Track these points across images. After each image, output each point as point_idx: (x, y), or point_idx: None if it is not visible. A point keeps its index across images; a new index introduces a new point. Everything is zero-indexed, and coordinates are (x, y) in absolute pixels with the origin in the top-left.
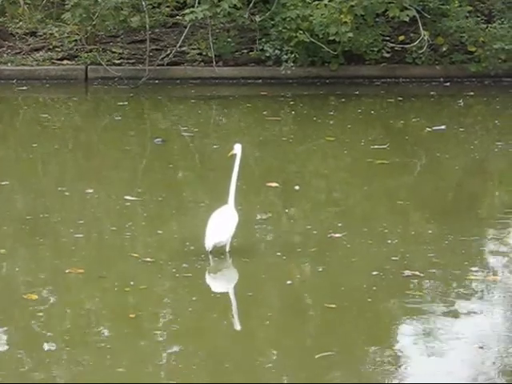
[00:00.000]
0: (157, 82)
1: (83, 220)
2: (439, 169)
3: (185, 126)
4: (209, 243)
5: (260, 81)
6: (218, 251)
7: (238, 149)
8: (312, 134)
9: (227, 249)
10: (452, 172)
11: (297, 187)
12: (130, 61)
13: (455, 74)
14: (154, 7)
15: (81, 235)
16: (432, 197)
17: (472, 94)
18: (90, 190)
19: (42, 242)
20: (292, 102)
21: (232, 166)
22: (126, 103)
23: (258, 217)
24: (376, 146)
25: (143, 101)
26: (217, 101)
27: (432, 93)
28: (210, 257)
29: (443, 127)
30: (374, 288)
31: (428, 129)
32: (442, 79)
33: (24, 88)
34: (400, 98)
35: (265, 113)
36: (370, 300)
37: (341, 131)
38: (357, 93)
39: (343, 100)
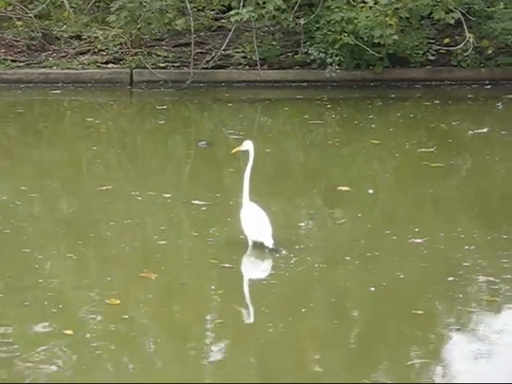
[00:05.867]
0: (201, 85)
1: (164, 226)
2: (495, 172)
3: (230, 129)
4: (270, 239)
5: (305, 84)
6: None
7: (248, 145)
8: (356, 138)
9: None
10: (509, 175)
11: (370, 191)
12: (175, 64)
13: (500, 77)
14: (198, 10)
15: (164, 242)
16: (501, 201)
17: (511, 96)
18: (168, 195)
19: (127, 250)
20: (330, 105)
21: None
22: (171, 106)
23: (335, 221)
24: (423, 149)
25: (188, 104)
26: (261, 104)
27: (474, 95)
28: (280, 257)
29: (485, 130)
30: (461, 295)
31: (470, 131)
32: (487, 82)
33: (68, 91)
34: (441, 101)
35: (307, 116)
36: (460, 308)
37: (384, 134)
38: (398, 96)
39: (385, 103)
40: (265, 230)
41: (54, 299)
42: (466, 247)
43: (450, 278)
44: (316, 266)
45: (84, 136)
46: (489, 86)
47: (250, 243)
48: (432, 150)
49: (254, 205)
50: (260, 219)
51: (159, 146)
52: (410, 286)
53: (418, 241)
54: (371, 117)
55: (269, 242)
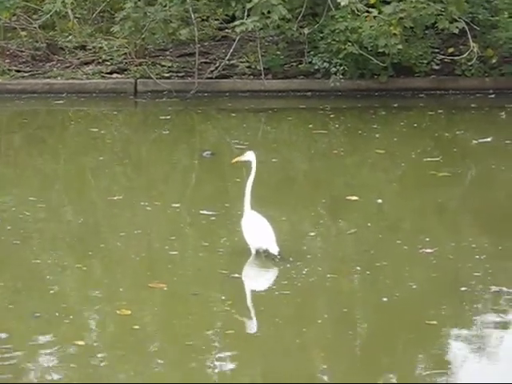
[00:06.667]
0: (206, 94)
1: (174, 236)
2: (502, 181)
3: (234, 139)
4: (275, 246)
5: (309, 93)
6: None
7: (250, 156)
8: (360, 147)
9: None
10: None
11: (379, 200)
12: (179, 74)
13: (505, 86)
14: (202, 20)
15: (174, 252)
16: (510, 210)
17: None
18: (176, 205)
19: (137, 260)
20: (334, 115)
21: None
22: (175, 116)
23: (344, 231)
24: (429, 159)
25: (192, 114)
26: (265, 114)
27: (478, 105)
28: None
29: (489, 139)
30: (474, 306)
31: (474, 141)
32: (491, 91)
33: (73, 101)
34: (445, 111)
35: (311, 126)
36: (475, 318)
37: (388, 144)
38: (402, 105)
39: (389, 112)
40: (268, 237)
41: (64, 310)
42: (477, 257)
43: (463, 288)
44: (328, 276)
45: (89, 146)
46: (493, 96)
47: (253, 251)
48: (438, 159)
49: (255, 213)
50: (262, 227)
51: (164, 156)
52: (423, 297)
53: (429, 251)
54: (375, 126)
55: (274, 250)
